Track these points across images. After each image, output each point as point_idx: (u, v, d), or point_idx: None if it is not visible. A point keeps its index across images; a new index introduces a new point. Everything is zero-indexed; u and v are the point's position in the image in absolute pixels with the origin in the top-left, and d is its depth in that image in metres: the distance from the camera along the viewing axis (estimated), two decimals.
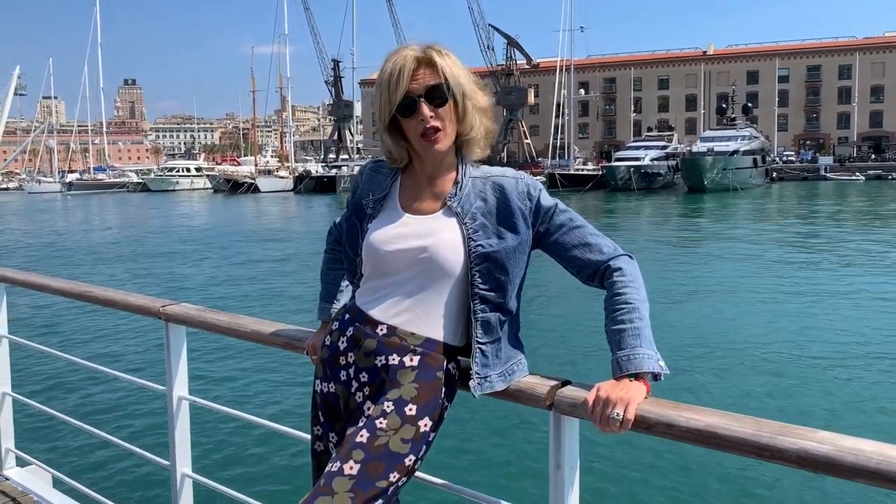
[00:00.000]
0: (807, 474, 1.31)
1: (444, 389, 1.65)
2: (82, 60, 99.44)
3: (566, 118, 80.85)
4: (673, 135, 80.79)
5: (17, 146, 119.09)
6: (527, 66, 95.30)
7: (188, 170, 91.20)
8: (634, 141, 79.18)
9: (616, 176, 63.60)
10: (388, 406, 1.60)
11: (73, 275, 19.15)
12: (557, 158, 78.45)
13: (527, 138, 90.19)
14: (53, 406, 3.65)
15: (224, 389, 8.96)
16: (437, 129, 1.63)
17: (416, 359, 1.64)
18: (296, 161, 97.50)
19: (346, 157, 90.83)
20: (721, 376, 9.48)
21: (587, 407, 1.49)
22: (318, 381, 1.77)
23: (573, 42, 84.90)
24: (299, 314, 13.48)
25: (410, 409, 1.60)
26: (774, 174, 74.54)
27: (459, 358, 1.72)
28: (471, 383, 1.64)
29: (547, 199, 1.70)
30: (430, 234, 1.66)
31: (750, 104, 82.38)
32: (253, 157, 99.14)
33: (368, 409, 1.63)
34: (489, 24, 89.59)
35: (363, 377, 1.66)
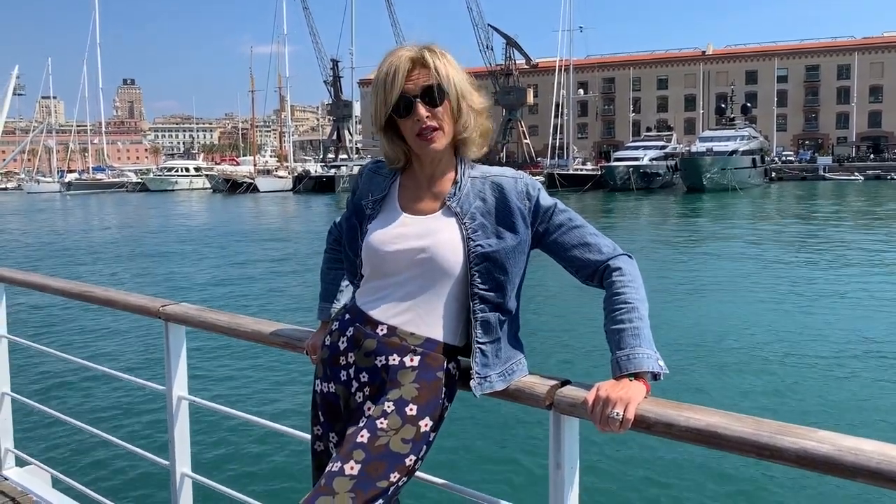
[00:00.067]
0: (807, 474, 1.32)
1: (444, 389, 1.66)
2: (81, 60, 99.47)
3: (565, 118, 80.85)
4: (672, 135, 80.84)
5: (15, 146, 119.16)
6: (526, 66, 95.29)
7: (187, 170, 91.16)
8: (633, 141, 79.25)
9: (615, 176, 63.62)
10: (389, 406, 1.60)
11: (73, 275, 19.15)
12: (556, 158, 78.44)
13: (526, 138, 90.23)
14: (53, 406, 3.66)
15: (224, 389, 8.96)
16: (433, 129, 1.63)
17: (417, 359, 1.64)
18: (295, 161, 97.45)
19: (345, 156, 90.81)
20: (721, 376, 9.49)
21: (587, 407, 1.49)
22: (318, 381, 1.77)
23: (572, 42, 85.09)
24: (299, 313, 13.48)
25: (411, 410, 1.60)
26: (773, 174, 74.58)
27: (459, 358, 1.72)
28: (471, 383, 1.64)
29: (546, 199, 1.70)
30: (429, 234, 1.66)
31: (749, 104, 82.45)
32: (252, 157, 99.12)
33: (369, 409, 1.63)
34: (488, 24, 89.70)
35: (363, 377, 1.67)
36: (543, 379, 1.65)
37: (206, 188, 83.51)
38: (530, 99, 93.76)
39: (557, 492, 1.62)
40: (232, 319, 2.37)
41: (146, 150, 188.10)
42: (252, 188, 74.72)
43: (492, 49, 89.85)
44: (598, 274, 1.67)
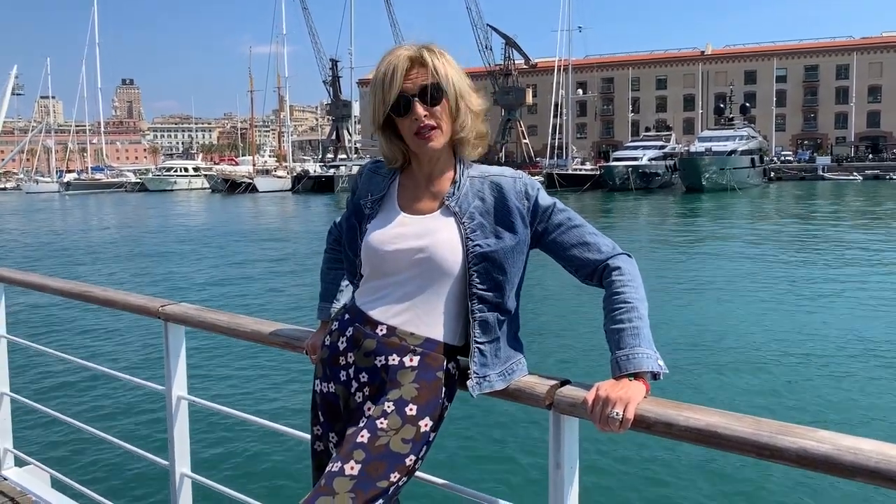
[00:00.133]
0: (806, 473, 1.32)
1: (444, 389, 1.66)
2: (80, 60, 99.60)
3: (564, 118, 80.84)
4: (671, 135, 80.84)
5: (14, 146, 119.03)
6: (525, 66, 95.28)
7: (186, 170, 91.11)
8: (632, 141, 79.29)
9: (614, 176, 63.62)
10: (389, 406, 1.60)
11: (72, 275, 19.13)
12: (555, 158, 78.43)
13: (525, 138, 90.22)
14: (52, 406, 3.65)
15: (223, 389, 8.96)
16: (431, 128, 1.63)
17: (416, 359, 1.64)
18: (294, 161, 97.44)
19: (344, 156, 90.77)
20: (720, 376, 9.49)
21: (587, 406, 1.49)
22: (317, 381, 1.77)
23: (571, 42, 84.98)
24: (297, 313, 13.48)
25: (411, 409, 1.60)
26: (772, 174, 74.59)
27: (459, 358, 1.72)
28: (468, 383, 1.64)
29: (545, 199, 1.70)
30: (428, 233, 1.66)
31: (748, 104, 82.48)
32: (251, 157, 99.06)
33: (369, 409, 1.63)
34: (487, 24, 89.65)
35: (363, 377, 1.66)
36: (543, 379, 1.65)
37: (204, 188, 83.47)
38: (529, 99, 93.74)
39: (557, 491, 1.62)
40: (231, 319, 2.37)
41: (145, 150, 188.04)
42: (251, 188, 74.69)
43: (491, 49, 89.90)
44: (597, 273, 1.67)
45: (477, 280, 1.64)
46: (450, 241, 1.65)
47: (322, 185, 72.77)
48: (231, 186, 75.95)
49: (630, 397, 1.45)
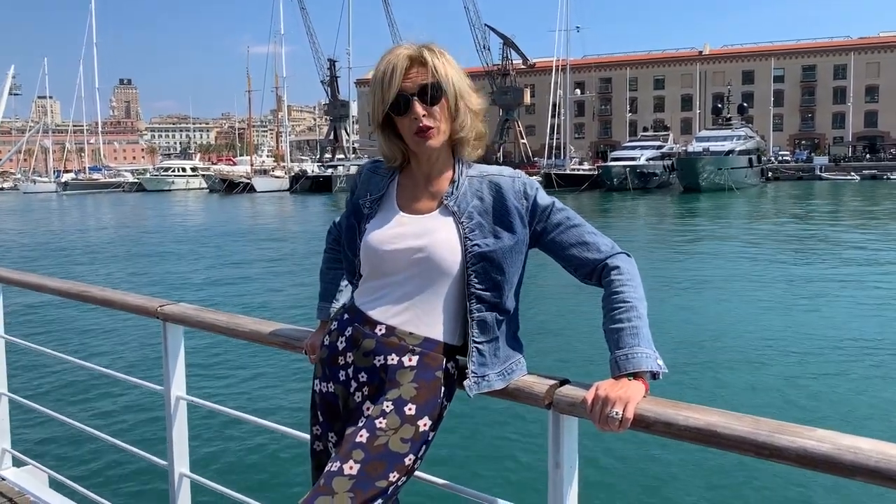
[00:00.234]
0: (806, 472, 1.32)
1: (443, 389, 1.65)
2: (77, 60, 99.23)
3: (562, 118, 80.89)
4: (669, 135, 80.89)
5: (11, 146, 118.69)
6: (523, 66, 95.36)
7: (184, 170, 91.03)
8: (630, 141, 79.33)
9: (612, 176, 63.67)
10: (388, 406, 1.60)
11: (70, 274, 19.11)
12: (553, 158, 78.48)
13: (523, 138, 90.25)
14: (50, 406, 3.64)
15: (222, 389, 8.96)
16: (430, 127, 1.63)
17: (415, 359, 1.64)
18: (292, 161, 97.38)
19: (342, 156, 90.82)
20: (719, 375, 9.50)
21: (586, 406, 1.49)
22: (316, 381, 1.77)
23: (569, 42, 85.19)
24: (296, 313, 13.48)
25: (410, 409, 1.60)
26: (770, 174, 74.69)
27: (458, 357, 1.72)
28: (466, 382, 1.64)
29: (544, 198, 1.70)
30: (426, 233, 1.65)
31: (745, 104, 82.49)
32: (249, 157, 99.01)
33: (368, 409, 1.62)
34: (485, 24, 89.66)
35: (362, 377, 1.66)
36: (542, 378, 1.65)
37: (202, 188, 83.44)
38: (527, 99, 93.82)
39: (556, 491, 1.62)
40: (230, 319, 2.37)
41: (143, 149, 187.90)
42: (249, 188, 74.66)
43: (489, 49, 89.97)
44: (596, 273, 1.67)
45: (475, 280, 1.64)
46: (448, 240, 1.64)
47: (320, 185, 72.75)
48: (229, 186, 75.90)
49: (629, 397, 1.45)
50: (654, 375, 1.53)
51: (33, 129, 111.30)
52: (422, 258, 1.64)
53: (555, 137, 79.67)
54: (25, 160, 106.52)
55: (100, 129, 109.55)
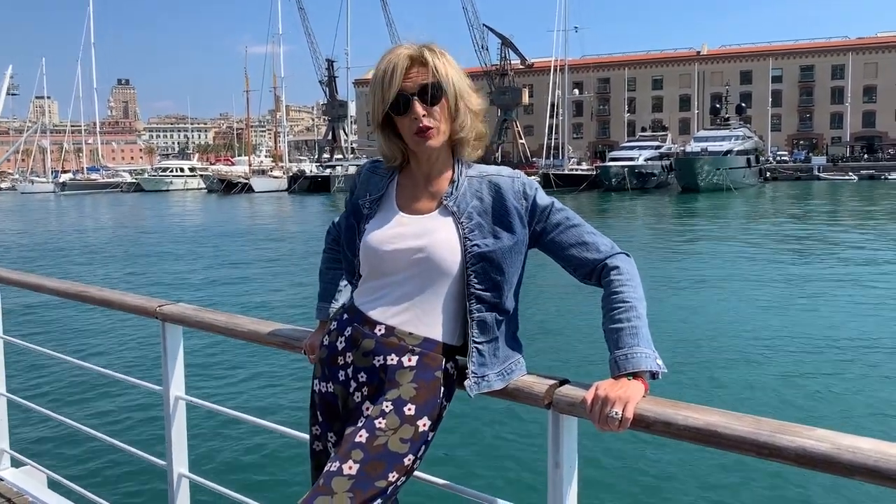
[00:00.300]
0: (806, 472, 1.32)
1: (442, 389, 1.66)
2: (75, 60, 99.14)
3: (560, 118, 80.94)
4: (667, 135, 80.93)
5: (9, 146, 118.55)
6: (521, 67, 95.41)
7: (182, 170, 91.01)
8: (628, 141, 79.38)
9: (610, 176, 63.70)
10: (387, 406, 1.60)
11: (68, 275, 19.09)
12: (552, 158, 78.55)
13: (521, 138, 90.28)
14: (49, 406, 3.64)
15: (221, 389, 8.95)
16: (430, 127, 1.63)
17: (415, 359, 1.64)
18: (290, 161, 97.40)
19: (340, 156, 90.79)
20: (719, 374, 9.51)
21: (586, 406, 1.49)
22: (316, 381, 1.77)
23: (567, 42, 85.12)
24: (295, 312, 13.47)
25: (409, 409, 1.60)
26: (768, 174, 74.81)
27: (458, 357, 1.72)
28: (466, 383, 1.64)
29: (543, 198, 1.70)
30: (426, 233, 1.65)
31: (743, 104, 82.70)
32: (247, 157, 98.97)
33: (367, 409, 1.62)
34: (483, 25, 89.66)
35: (361, 377, 1.66)
36: (542, 378, 1.65)
37: (200, 188, 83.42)
38: (525, 99, 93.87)
39: (556, 491, 1.62)
40: (229, 319, 2.36)
41: (141, 150, 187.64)
42: (247, 188, 74.63)
43: (487, 49, 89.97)
44: (595, 273, 1.67)
45: (475, 280, 1.64)
46: (448, 240, 1.64)
47: (318, 186, 72.74)
48: (227, 187, 75.89)
49: (629, 396, 1.45)
50: (653, 375, 1.53)
51: (31, 129, 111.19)
52: (421, 258, 1.64)
53: (553, 137, 79.74)
54: (23, 160, 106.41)
55: (98, 129, 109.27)
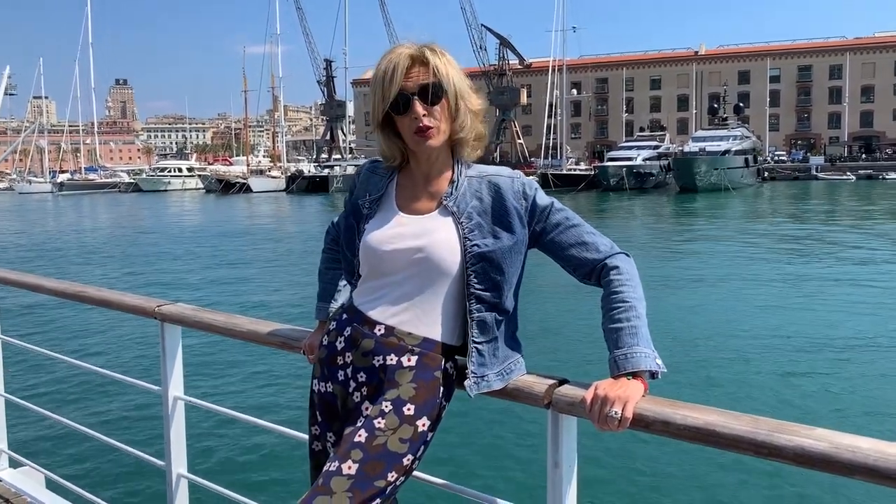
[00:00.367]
0: (805, 471, 1.32)
1: (441, 389, 1.66)
2: (73, 60, 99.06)
3: (558, 118, 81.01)
4: (665, 135, 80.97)
5: (7, 146, 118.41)
6: (519, 67, 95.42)
7: (180, 170, 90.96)
8: (626, 141, 79.45)
9: (608, 176, 63.73)
10: (387, 406, 1.60)
11: (66, 275, 19.07)
12: (550, 158, 78.61)
13: (519, 138, 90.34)
14: (47, 407, 3.63)
15: (220, 389, 8.95)
16: (430, 127, 1.63)
17: (414, 359, 1.64)
18: (288, 161, 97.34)
19: (338, 157, 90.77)
20: (718, 374, 9.52)
21: (585, 405, 1.49)
22: (315, 381, 1.77)
23: (565, 42, 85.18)
24: (294, 312, 13.46)
25: (409, 409, 1.60)
26: (766, 174, 74.88)
27: (457, 357, 1.72)
28: (466, 383, 1.64)
29: (543, 198, 1.70)
30: (425, 233, 1.65)
31: (741, 104, 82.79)
32: (245, 157, 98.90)
33: (366, 409, 1.62)
34: (482, 25, 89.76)
35: (361, 377, 1.66)
36: (541, 378, 1.65)
37: (198, 188, 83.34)
38: (524, 99, 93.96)
39: (555, 490, 1.62)
40: (228, 319, 2.36)
41: (139, 150, 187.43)
42: (245, 188, 74.59)
43: (485, 49, 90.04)
44: (595, 273, 1.67)
45: (475, 280, 1.64)
46: (448, 240, 1.64)
47: (316, 186, 72.70)
48: (225, 187, 75.84)
49: (628, 396, 1.46)
50: (652, 375, 1.53)
51: (29, 129, 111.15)
52: (421, 258, 1.64)
53: (551, 137, 79.78)
54: (21, 160, 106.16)
55: (96, 129, 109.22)
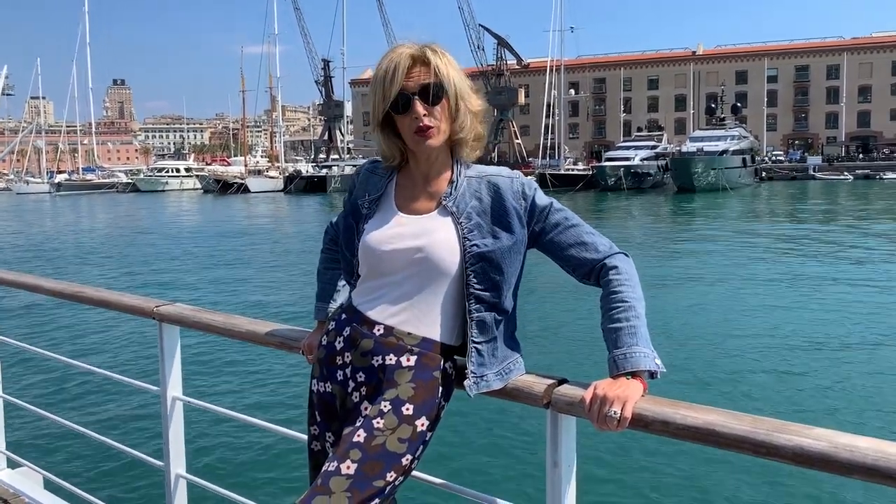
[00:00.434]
0: (804, 471, 1.33)
1: (440, 389, 1.66)
2: (71, 60, 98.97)
3: (556, 118, 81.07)
4: (662, 135, 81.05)
5: (4, 147, 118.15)
6: (517, 67, 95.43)
7: (178, 170, 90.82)
8: (624, 141, 79.43)
9: (606, 176, 63.75)
10: (386, 406, 1.60)
11: (64, 275, 19.05)
12: (548, 158, 78.61)
13: (517, 138, 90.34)
14: (45, 407, 3.63)
15: (219, 389, 8.94)
16: (430, 127, 1.63)
17: (413, 359, 1.64)
18: (286, 161, 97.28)
19: (336, 157, 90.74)
20: (717, 374, 9.52)
21: (584, 405, 1.49)
22: (314, 381, 1.77)
23: (563, 42, 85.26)
24: (293, 311, 13.45)
25: (407, 409, 1.60)
26: (763, 174, 74.92)
27: (456, 357, 1.72)
28: (466, 382, 1.64)
29: (542, 199, 1.70)
30: (425, 233, 1.65)
31: (739, 104, 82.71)
32: (243, 158, 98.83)
33: (365, 408, 1.63)
34: (479, 25, 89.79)
35: (360, 377, 1.66)
36: (540, 378, 1.65)
37: (196, 189, 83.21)
38: (521, 99, 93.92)
39: (555, 490, 1.62)
40: (227, 320, 2.36)
41: (136, 150, 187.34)
42: (243, 188, 74.51)
43: (483, 49, 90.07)
44: (594, 273, 1.68)
45: (474, 280, 1.64)
46: (447, 240, 1.65)
47: (314, 186, 72.64)
48: (223, 187, 75.74)
49: (628, 396, 1.46)
50: (652, 375, 1.54)
51: (26, 129, 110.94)
52: (421, 258, 1.64)
53: (549, 138, 79.80)
54: (18, 161, 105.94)
55: (93, 129, 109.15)
